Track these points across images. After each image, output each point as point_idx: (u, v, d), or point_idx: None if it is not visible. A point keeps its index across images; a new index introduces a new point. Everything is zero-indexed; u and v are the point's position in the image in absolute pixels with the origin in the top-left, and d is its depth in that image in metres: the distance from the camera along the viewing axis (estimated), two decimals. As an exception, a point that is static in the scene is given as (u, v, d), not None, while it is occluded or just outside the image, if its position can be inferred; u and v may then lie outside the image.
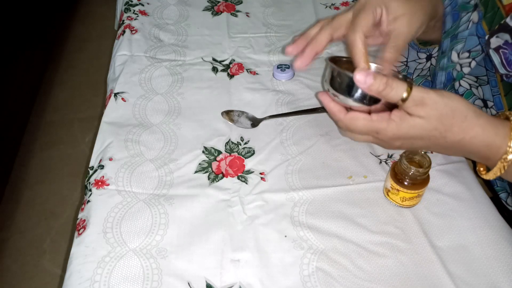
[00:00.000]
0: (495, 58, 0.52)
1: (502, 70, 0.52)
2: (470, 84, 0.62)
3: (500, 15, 0.55)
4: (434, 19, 0.58)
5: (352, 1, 0.91)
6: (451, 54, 0.59)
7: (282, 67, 0.73)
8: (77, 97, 1.72)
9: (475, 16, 0.57)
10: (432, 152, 0.57)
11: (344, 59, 0.55)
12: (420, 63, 0.69)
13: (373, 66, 0.51)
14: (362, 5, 0.51)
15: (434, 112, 0.43)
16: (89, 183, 0.58)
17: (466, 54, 0.58)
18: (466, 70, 0.60)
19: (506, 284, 0.48)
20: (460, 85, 0.63)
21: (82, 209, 0.56)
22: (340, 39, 0.55)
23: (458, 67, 0.61)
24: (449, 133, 0.44)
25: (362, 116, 0.45)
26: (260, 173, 0.59)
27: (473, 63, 0.60)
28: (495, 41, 0.52)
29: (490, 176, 0.46)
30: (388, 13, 0.51)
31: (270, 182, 0.58)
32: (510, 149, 0.43)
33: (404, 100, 0.42)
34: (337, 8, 0.89)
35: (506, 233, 0.52)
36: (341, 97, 0.47)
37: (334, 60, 0.53)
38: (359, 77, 0.43)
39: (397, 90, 0.43)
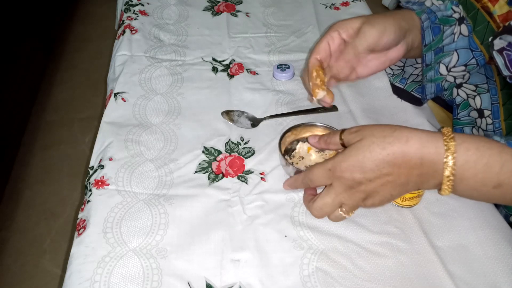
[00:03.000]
0: (499, 60, 0.52)
1: (505, 72, 0.52)
2: (467, 94, 0.62)
3: (491, 28, 0.56)
4: (413, 31, 0.60)
5: (352, 1, 0.91)
6: (438, 67, 0.60)
7: (282, 67, 0.73)
8: (77, 97, 1.72)
9: (464, 29, 0.58)
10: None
11: (288, 133, 0.60)
12: (416, 68, 0.69)
13: (321, 94, 0.59)
14: (321, 36, 0.59)
15: (367, 132, 0.47)
16: (89, 183, 0.58)
17: (462, 68, 0.59)
18: (459, 81, 0.62)
19: (506, 284, 0.48)
20: (458, 94, 0.63)
21: (82, 209, 0.56)
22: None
23: (450, 79, 0.62)
24: (386, 144, 0.45)
25: (316, 165, 0.50)
26: (260, 173, 0.59)
27: (467, 76, 0.61)
28: (498, 43, 0.52)
29: (443, 193, 0.46)
30: (346, 32, 0.58)
31: (270, 182, 0.58)
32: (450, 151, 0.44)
33: (342, 133, 0.50)
34: (337, 8, 0.90)
35: (506, 233, 0.52)
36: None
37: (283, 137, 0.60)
38: (311, 140, 0.57)
39: (334, 135, 0.52)
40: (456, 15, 0.58)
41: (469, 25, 0.57)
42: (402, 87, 0.69)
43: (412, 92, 0.68)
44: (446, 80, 0.62)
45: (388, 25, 0.56)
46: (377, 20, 0.57)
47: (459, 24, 0.58)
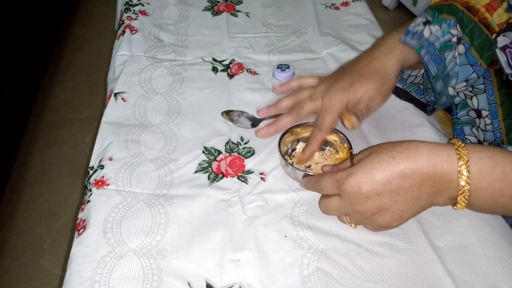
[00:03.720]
0: (501, 58, 0.52)
1: (508, 70, 0.52)
2: (465, 94, 0.62)
3: (489, 41, 0.56)
4: (410, 68, 0.61)
5: (352, 1, 0.91)
6: (447, 91, 0.60)
7: (282, 67, 0.73)
8: (77, 97, 1.72)
9: (461, 49, 0.57)
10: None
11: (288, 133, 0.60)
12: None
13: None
14: (327, 107, 0.57)
15: (376, 147, 0.46)
16: (89, 183, 0.58)
17: (464, 84, 0.59)
18: (462, 95, 0.63)
19: (506, 284, 0.48)
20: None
21: (82, 209, 0.56)
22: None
23: (454, 94, 0.62)
24: (395, 153, 0.43)
25: (326, 174, 0.49)
26: (260, 173, 0.59)
27: (470, 88, 0.61)
28: (502, 40, 0.51)
29: (459, 206, 0.44)
30: (352, 105, 0.56)
31: (270, 182, 0.58)
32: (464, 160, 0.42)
33: (351, 155, 0.49)
34: (337, 8, 0.90)
35: (506, 233, 0.52)
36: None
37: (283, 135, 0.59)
38: (325, 169, 0.53)
39: (345, 161, 0.50)
40: (454, 39, 0.58)
41: (466, 43, 0.57)
42: (401, 86, 0.69)
43: (411, 93, 0.68)
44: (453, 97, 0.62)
45: (388, 90, 0.58)
46: (381, 89, 0.57)
47: (457, 45, 0.58)
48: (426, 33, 0.59)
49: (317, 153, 0.59)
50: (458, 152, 0.42)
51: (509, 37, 0.51)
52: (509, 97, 0.58)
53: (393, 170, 0.43)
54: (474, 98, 0.61)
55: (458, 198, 0.43)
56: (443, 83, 0.60)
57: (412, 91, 0.67)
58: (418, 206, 0.45)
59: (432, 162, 0.42)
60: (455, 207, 0.44)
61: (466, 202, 0.43)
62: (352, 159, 0.48)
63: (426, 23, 0.59)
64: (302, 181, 0.55)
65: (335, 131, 0.59)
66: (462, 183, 0.42)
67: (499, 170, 0.42)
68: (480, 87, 0.60)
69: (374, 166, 0.44)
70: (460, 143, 0.43)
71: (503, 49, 0.51)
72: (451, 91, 0.59)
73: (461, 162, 0.42)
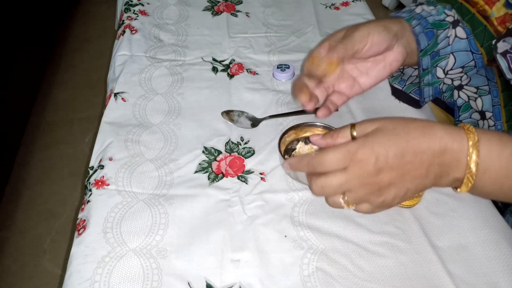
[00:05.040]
0: (502, 63, 0.52)
1: (509, 75, 0.52)
2: (468, 96, 0.62)
3: (489, 31, 0.56)
4: (405, 33, 0.59)
5: (352, 1, 0.91)
6: (435, 71, 0.59)
7: (282, 67, 0.73)
8: (77, 97, 1.72)
9: (460, 32, 0.57)
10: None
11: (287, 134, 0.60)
12: (416, 69, 0.69)
13: None
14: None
15: (386, 120, 0.44)
16: (89, 183, 0.58)
17: (459, 70, 0.58)
18: (457, 83, 0.61)
19: (506, 284, 0.48)
20: (459, 96, 0.63)
21: (82, 209, 0.56)
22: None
23: (448, 81, 0.61)
24: (411, 129, 0.43)
25: (329, 148, 0.46)
26: (260, 173, 0.59)
27: (464, 77, 0.60)
28: (502, 46, 0.52)
29: (463, 188, 0.44)
30: (334, 42, 0.56)
31: (270, 182, 0.58)
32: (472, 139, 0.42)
33: (353, 127, 0.46)
34: (337, 8, 0.90)
35: (506, 233, 0.52)
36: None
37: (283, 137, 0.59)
38: (314, 139, 0.50)
39: (344, 128, 0.47)
40: (449, 19, 0.57)
41: (466, 28, 0.57)
42: (401, 88, 0.69)
43: (410, 94, 0.68)
44: (444, 83, 0.61)
45: (371, 27, 0.55)
46: (361, 25, 0.56)
47: (454, 27, 0.58)
48: (418, 10, 0.59)
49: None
50: (468, 133, 0.42)
51: (509, 42, 0.51)
52: None
53: (407, 145, 0.42)
54: (479, 100, 0.60)
55: (465, 179, 0.43)
56: (430, 59, 0.59)
57: (412, 92, 0.67)
58: (422, 186, 0.44)
59: (445, 142, 0.42)
60: (459, 189, 0.44)
61: (472, 183, 0.43)
62: (353, 129, 0.46)
63: (419, 4, 0.59)
64: (287, 162, 0.50)
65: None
66: (472, 164, 0.42)
67: (507, 152, 0.42)
68: (485, 88, 0.60)
69: (390, 138, 0.43)
70: (469, 126, 0.43)
71: (504, 54, 0.51)
72: (439, 72, 0.59)
73: (471, 143, 0.42)
